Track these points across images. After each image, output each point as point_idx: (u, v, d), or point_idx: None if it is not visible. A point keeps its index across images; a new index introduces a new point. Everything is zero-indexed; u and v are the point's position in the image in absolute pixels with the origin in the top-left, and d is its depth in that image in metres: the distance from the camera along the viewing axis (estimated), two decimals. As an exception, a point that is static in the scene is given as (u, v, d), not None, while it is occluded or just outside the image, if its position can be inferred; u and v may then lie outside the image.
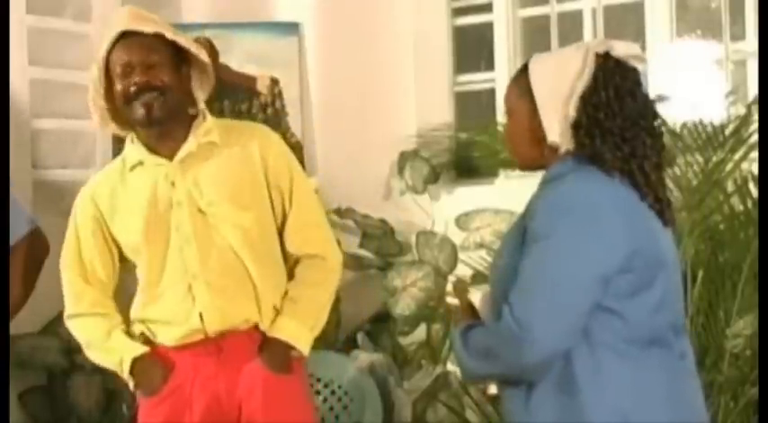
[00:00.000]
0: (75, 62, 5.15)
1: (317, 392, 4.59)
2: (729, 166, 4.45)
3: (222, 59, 5.38)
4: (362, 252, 5.29)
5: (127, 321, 3.29)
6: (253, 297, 3.19)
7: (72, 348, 4.66)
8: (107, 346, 3.26)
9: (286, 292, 3.25)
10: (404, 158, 5.48)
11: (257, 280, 3.19)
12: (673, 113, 4.21)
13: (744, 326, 4.23)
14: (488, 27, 5.64)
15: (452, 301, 2.59)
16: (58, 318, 4.70)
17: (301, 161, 4.29)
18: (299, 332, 3.21)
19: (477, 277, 4.50)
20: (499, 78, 5.56)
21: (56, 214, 4.95)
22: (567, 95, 2.44)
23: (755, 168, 4.13)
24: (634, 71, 2.50)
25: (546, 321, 2.33)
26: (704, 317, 4.30)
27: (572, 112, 2.44)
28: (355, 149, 5.46)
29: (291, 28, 5.47)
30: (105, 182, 3.30)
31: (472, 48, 5.77)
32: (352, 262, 4.99)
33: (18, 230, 3.51)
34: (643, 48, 4.01)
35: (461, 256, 5.06)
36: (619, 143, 2.44)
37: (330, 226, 3.41)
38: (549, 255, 2.35)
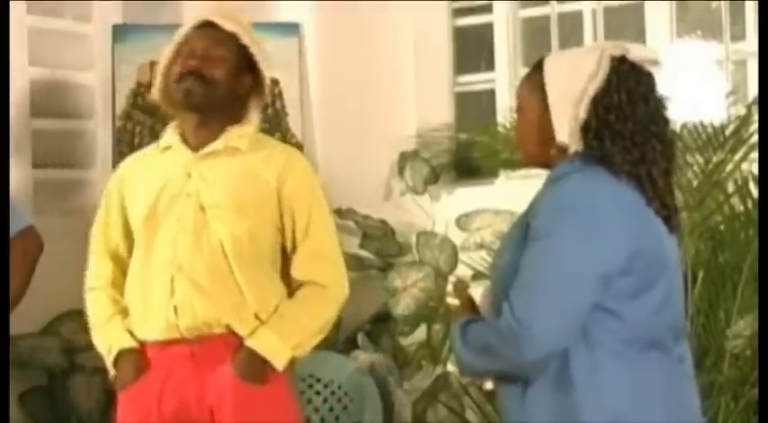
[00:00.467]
0: (75, 62, 5.15)
1: (317, 393, 4.59)
2: (730, 166, 4.45)
3: (222, 60, 5.37)
4: (363, 253, 5.28)
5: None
6: (234, 302, 3.17)
7: (72, 348, 4.67)
8: (104, 332, 3.28)
9: (276, 308, 3.22)
10: (404, 159, 5.47)
11: (242, 286, 3.17)
12: (673, 114, 4.21)
13: (744, 326, 4.23)
14: (488, 27, 5.64)
15: (453, 301, 2.59)
16: (58, 318, 4.75)
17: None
18: (277, 347, 3.17)
19: (478, 278, 4.50)
20: (499, 79, 5.57)
21: (56, 214, 4.99)
22: (578, 96, 2.44)
23: (756, 169, 4.13)
24: (649, 76, 2.50)
25: (545, 319, 2.33)
26: (704, 317, 4.30)
27: (582, 114, 2.43)
28: (355, 150, 5.45)
29: (291, 28, 5.46)
30: (136, 162, 3.38)
31: (472, 48, 5.77)
32: (352, 262, 4.97)
33: (13, 226, 3.52)
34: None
35: (462, 256, 5.06)
36: (628, 147, 2.43)
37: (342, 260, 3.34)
38: (550, 253, 2.34)
